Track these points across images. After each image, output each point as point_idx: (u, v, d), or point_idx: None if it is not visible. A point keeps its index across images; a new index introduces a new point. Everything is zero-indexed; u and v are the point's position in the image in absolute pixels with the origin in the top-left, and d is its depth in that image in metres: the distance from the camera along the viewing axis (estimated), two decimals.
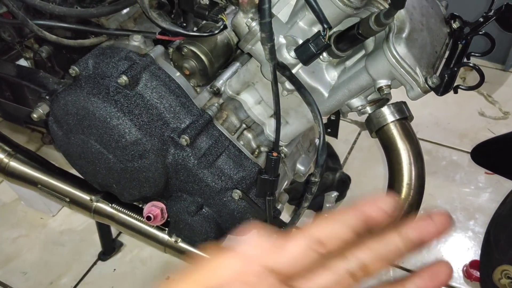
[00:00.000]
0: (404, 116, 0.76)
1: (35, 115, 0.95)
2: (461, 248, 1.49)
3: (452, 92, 0.74)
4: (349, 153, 1.82)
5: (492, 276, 0.84)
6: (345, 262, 0.35)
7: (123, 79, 0.81)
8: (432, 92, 0.73)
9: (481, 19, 0.75)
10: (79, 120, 0.84)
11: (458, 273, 1.42)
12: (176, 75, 0.88)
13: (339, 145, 1.78)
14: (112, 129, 0.82)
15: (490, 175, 1.69)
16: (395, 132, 0.75)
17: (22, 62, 1.15)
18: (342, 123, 1.92)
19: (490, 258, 0.93)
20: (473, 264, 1.39)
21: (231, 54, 0.94)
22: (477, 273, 1.37)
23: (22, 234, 1.59)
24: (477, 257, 1.43)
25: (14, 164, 1.12)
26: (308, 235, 0.35)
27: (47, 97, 0.97)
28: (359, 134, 1.89)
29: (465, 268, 1.41)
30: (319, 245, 0.35)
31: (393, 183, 0.74)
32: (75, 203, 1.09)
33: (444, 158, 1.79)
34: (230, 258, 0.36)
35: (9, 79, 1.03)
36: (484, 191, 1.66)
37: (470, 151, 1.79)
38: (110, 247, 1.50)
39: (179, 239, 1.02)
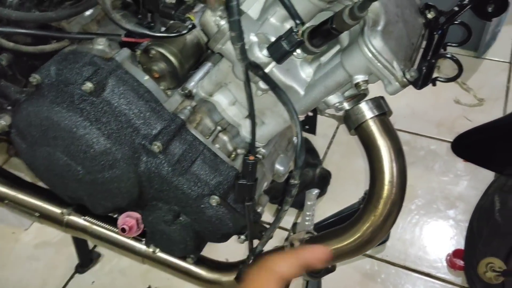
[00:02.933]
0: (383, 112, 0.73)
1: None
2: (443, 238, 1.49)
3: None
4: (328, 147, 1.81)
5: (477, 269, 0.83)
6: (271, 274, 0.58)
7: (88, 85, 0.77)
8: None
9: (456, 8, 0.73)
10: (43, 131, 0.79)
11: (441, 262, 1.42)
12: (145, 78, 0.84)
13: (318, 140, 1.76)
14: (79, 139, 0.78)
15: (468, 163, 1.69)
16: (375, 129, 0.73)
17: None
18: (320, 118, 1.91)
19: (474, 250, 0.92)
20: (456, 253, 1.39)
21: (202, 54, 0.90)
22: (460, 262, 1.37)
23: None
24: (460, 246, 1.43)
25: None
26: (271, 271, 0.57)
27: (8, 107, 0.92)
28: (337, 128, 1.88)
29: (448, 257, 1.41)
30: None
31: (375, 182, 0.72)
32: (45, 217, 1.04)
33: (422, 148, 1.79)
34: None
35: None
36: (463, 179, 1.66)
37: (447, 139, 1.81)
38: (87, 258, 1.44)
39: (157, 249, 0.98)
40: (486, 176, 1.64)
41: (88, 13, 0.91)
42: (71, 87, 0.78)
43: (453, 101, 1.97)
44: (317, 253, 0.58)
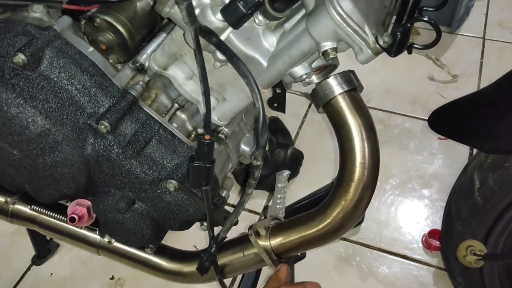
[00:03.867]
0: (353, 87, 0.66)
1: None
2: (418, 218, 1.45)
3: (402, 55, 0.65)
4: (300, 127, 1.74)
5: (456, 252, 0.78)
6: None
7: (20, 57, 0.67)
8: (381, 58, 0.63)
9: None
10: None
11: (417, 243, 1.38)
12: (89, 50, 0.75)
13: (289, 119, 1.69)
14: (11, 119, 0.68)
15: (443, 140, 1.66)
16: (344, 106, 0.65)
17: None
18: (292, 96, 1.83)
19: (452, 230, 0.87)
20: (432, 234, 1.36)
21: (155, 23, 0.81)
22: (436, 243, 1.33)
23: None
24: (436, 226, 1.39)
25: None
26: None
27: None
28: (309, 107, 1.81)
29: (424, 238, 1.37)
30: None
31: (345, 163, 0.65)
32: None
33: (397, 126, 1.74)
34: None
35: None
36: (438, 157, 1.63)
37: (422, 117, 1.76)
38: (44, 249, 1.35)
39: (113, 240, 0.90)
40: (461, 154, 1.61)
41: None
42: (1, 60, 0.69)
43: (427, 77, 1.93)
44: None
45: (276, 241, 0.73)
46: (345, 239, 1.40)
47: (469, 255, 0.76)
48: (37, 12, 0.74)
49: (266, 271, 1.17)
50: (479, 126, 0.69)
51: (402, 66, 1.96)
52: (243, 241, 0.80)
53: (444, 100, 1.82)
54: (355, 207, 0.66)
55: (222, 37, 0.62)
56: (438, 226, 1.39)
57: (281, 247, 0.73)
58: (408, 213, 1.47)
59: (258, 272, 1.07)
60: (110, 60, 0.77)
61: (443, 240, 1.01)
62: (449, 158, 1.61)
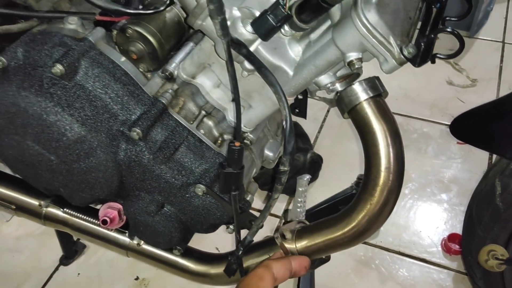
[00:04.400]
0: (378, 93, 0.68)
1: None
2: (438, 222, 1.46)
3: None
4: (319, 132, 1.76)
5: (477, 256, 0.79)
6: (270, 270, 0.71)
7: (58, 68, 0.70)
8: None
9: None
10: (10, 118, 0.73)
11: (436, 247, 1.39)
12: (122, 60, 0.78)
13: (308, 124, 1.71)
14: (50, 127, 0.72)
15: (462, 145, 1.66)
16: (370, 111, 0.67)
17: None
18: (310, 101, 1.85)
19: (473, 235, 0.88)
20: (451, 238, 1.36)
21: (183, 33, 0.84)
22: (456, 247, 1.34)
23: None
24: (455, 230, 1.40)
25: None
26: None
27: None
28: (328, 111, 1.83)
29: (443, 242, 1.38)
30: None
31: (370, 168, 0.67)
32: (22, 209, 0.98)
33: (415, 130, 1.75)
34: None
35: None
36: (457, 162, 1.63)
37: (441, 122, 1.77)
38: (71, 250, 1.39)
39: (142, 242, 0.93)
40: (481, 158, 1.61)
41: None
42: (39, 70, 0.72)
43: (446, 82, 1.93)
44: (302, 263, 0.73)
45: (301, 244, 0.75)
46: (364, 243, 1.42)
47: (491, 259, 0.77)
48: (72, 23, 0.78)
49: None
50: (502, 133, 0.70)
51: (421, 71, 1.95)
52: (269, 244, 0.82)
53: (463, 105, 1.82)
54: (380, 211, 0.68)
55: (251, 48, 0.65)
56: (457, 230, 1.40)
57: (307, 250, 0.75)
58: (427, 217, 1.48)
59: (312, 275, 1.09)
60: (141, 69, 0.80)
61: (463, 244, 1.01)
62: (468, 162, 1.61)
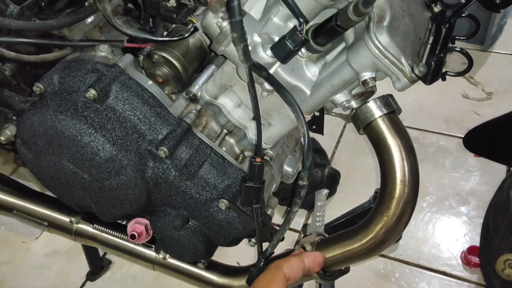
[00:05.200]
0: (392, 110, 0.72)
1: (2, 138, 0.89)
2: (457, 235, 1.47)
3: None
4: (336, 147, 1.79)
5: (495, 266, 0.81)
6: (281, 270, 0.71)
7: (92, 93, 0.76)
8: None
9: (463, 1, 0.72)
10: (48, 140, 0.79)
11: (456, 260, 1.40)
12: (149, 83, 0.83)
13: (325, 139, 1.75)
14: (84, 147, 0.77)
15: (479, 157, 1.67)
16: (384, 127, 0.71)
17: None
18: (327, 117, 1.89)
19: (491, 246, 0.90)
20: (471, 250, 1.37)
21: (205, 56, 0.89)
22: (476, 259, 1.34)
23: (4, 260, 1.53)
24: (475, 243, 1.41)
25: None
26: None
27: (13, 117, 0.91)
28: (344, 127, 1.86)
29: (463, 254, 1.39)
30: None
31: (386, 181, 0.71)
32: (54, 226, 1.04)
33: (431, 144, 1.76)
34: None
35: None
36: (475, 174, 1.64)
37: (457, 135, 1.79)
38: (98, 266, 1.44)
39: (168, 256, 0.97)
40: (498, 171, 1.62)
41: (90, 19, 0.90)
42: (74, 95, 0.78)
43: (461, 95, 1.95)
44: (316, 260, 0.73)
45: None
46: (383, 256, 1.43)
47: (507, 268, 0.79)
48: (103, 51, 0.84)
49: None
50: None
51: (435, 85, 1.96)
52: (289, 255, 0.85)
53: (479, 118, 1.84)
54: (396, 223, 0.71)
55: (271, 70, 0.69)
56: (477, 242, 1.41)
57: (327, 261, 0.78)
58: (446, 230, 1.49)
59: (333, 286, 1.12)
60: (166, 91, 0.85)
61: (482, 255, 1.03)
62: (486, 175, 1.62)
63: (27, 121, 0.79)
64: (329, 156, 1.73)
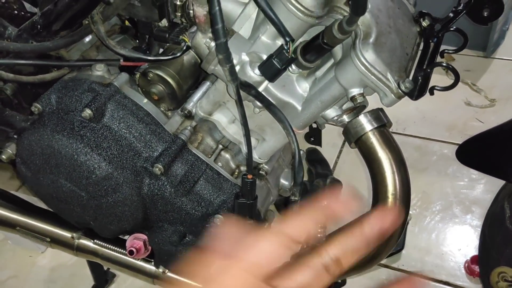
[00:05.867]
0: (382, 124, 0.72)
1: (4, 156, 0.90)
2: (460, 244, 1.46)
3: (438, 82, 0.71)
4: (338, 157, 1.79)
5: (489, 278, 0.81)
6: (320, 258, 0.36)
7: (87, 112, 0.77)
8: None
9: (451, 14, 0.72)
10: (46, 159, 0.80)
11: (460, 270, 1.39)
12: (144, 101, 0.85)
13: (327, 149, 1.75)
14: (81, 165, 0.78)
15: None
16: (375, 141, 0.72)
17: None
18: (329, 127, 1.88)
19: (488, 257, 0.90)
20: (474, 260, 1.36)
21: (200, 73, 0.90)
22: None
23: (11, 275, 1.55)
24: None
25: None
26: (279, 232, 0.37)
27: (15, 136, 0.93)
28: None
29: (466, 264, 1.38)
30: (291, 241, 0.36)
31: (377, 194, 0.71)
32: (56, 242, 1.05)
33: (434, 152, 1.76)
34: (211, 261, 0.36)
35: None
36: (478, 183, 1.63)
37: (460, 143, 1.77)
38: (102, 279, 1.45)
39: (167, 270, 0.98)
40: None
41: (87, 39, 0.92)
42: (71, 114, 0.79)
43: (464, 103, 1.94)
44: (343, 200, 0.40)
45: None
46: (386, 266, 1.43)
47: (501, 281, 0.79)
48: (99, 70, 0.85)
49: None
50: (504, 158, 0.73)
51: (438, 93, 1.98)
52: None
53: (482, 125, 1.83)
54: (389, 235, 0.71)
55: (261, 88, 0.70)
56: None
57: None
58: (450, 240, 1.48)
59: None
60: (161, 109, 0.87)
61: (480, 266, 1.02)
62: (490, 183, 1.61)
63: (26, 141, 0.81)
64: (331, 166, 1.73)
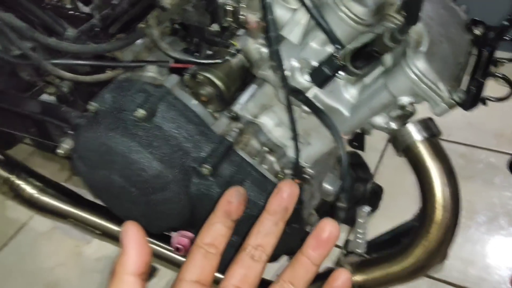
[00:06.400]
0: (432, 133, 0.72)
1: (61, 151, 0.95)
2: (506, 257, 1.41)
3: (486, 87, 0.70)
4: (379, 161, 1.77)
5: None
6: (244, 252, 0.45)
7: (140, 112, 0.81)
8: None
9: (506, 23, 0.71)
10: (100, 155, 0.84)
11: (505, 284, 1.35)
12: (193, 103, 0.87)
13: (368, 153, 1.72)
14: (133, 163, 0.82)
15: None
16: (424, 151, 0.71)
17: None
18: None
19: None
20: None
21: (247, 75, 0.92)
22: None
23: (59, 263, 1.62)
24: None
25: (44, 199, 1.14)
26: (197, 243, 0.45)
27: (70, 132, 0.98)
28: (388, 141, 1.83)
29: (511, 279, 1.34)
30: (210, 247, 0.45)
31: (426, 205, 0.70)
32: (106, 235, 1.10)
33: (480, 161, 1.71)
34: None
35: (32, 116, 1.05)
36: None
37: (508, 151, 1.72)
38: None
39: None
40: None
41: (140, 41, 0.96)
42: (124, 113, 0.83)
43: None
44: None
45: (361, 277, 0.79)
46: (428, 276, 1.40)
47: None
48: (151, 71, 0.88)
49: None
50: None
51: None
52: (329, 275, 0.86)
53: None
54: (437, 247, 0.71)
55: (310, 93, 0.71)
56: None
57: (366, 283, 0.79)
58: (496, 252, 1.43)
59: None
60: (209, 110, 0.89)
61: None
62: None
63: (82, 137, 0.85)
64: (372, 171, 1.71)
